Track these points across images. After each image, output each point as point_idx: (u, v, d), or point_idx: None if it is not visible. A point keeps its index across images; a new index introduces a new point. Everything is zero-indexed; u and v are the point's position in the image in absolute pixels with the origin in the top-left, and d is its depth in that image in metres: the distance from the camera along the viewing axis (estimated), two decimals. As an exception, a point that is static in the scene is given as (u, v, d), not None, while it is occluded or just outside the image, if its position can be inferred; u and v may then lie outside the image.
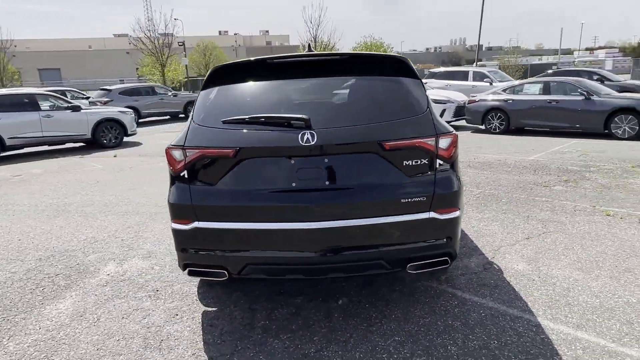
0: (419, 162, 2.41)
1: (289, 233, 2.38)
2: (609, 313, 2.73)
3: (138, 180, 7.20)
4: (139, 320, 2.90)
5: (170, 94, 18.65)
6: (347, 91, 2.66)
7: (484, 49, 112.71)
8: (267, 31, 78.52)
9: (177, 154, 2.54)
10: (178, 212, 2.56)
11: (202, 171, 2.50)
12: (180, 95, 19.45)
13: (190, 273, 2.64)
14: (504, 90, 11.30)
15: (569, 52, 77.90)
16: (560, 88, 10.30)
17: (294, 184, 2.39)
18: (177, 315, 2.95)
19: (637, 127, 9.10)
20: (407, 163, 2.40)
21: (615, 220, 4.35)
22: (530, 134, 10.51)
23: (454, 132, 2.51)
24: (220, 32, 71.88)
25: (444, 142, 2.44)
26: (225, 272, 2.53)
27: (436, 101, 12.27)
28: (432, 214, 2.42)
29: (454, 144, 2.47)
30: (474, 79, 16.55)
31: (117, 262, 3.88)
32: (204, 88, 2.77)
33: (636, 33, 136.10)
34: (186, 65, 32.45)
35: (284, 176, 2.41)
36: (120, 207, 5.58)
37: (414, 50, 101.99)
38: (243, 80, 2.72)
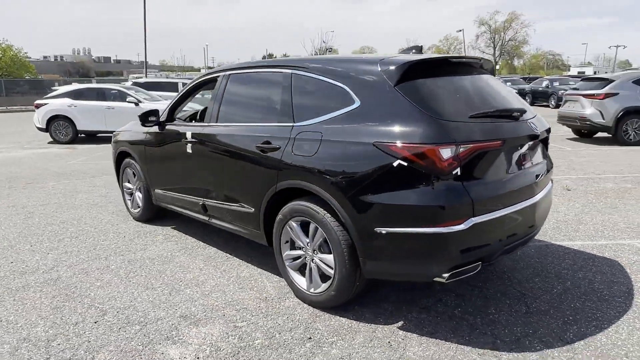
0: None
1: (526, 210, 2.69)
2: (622, 232, 4.41)
3: None
4: (371, 365, 2.35)
5: None
6: (498, 87, 3.07)
7: (112, 61, 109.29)
8: None
9: (447, 151, 2.31)
10: (453, 213, 2.34)
11: (473, 165, 2.41)
12: None
13: (452, 277, 2.44)
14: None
15: (195, 69, 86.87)
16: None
17: (523, 167, 2.71)
18: (391, 344, 2.56)
19: None
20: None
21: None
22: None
23: None
24: None
25: None
26: (480, 264, 2.54)
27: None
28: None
29: None
30: (185, 90, 16.81)
31: (171, 345, 2.61)
32: (401, 81, 2.54)
33: (239, 55, 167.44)
34: None
35: (518, 161, 2.68)
36: (-44, 293, 3.25)
37: (28, 58, 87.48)
38: (435, 75, 2.68)
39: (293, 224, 2.98)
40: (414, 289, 3.19)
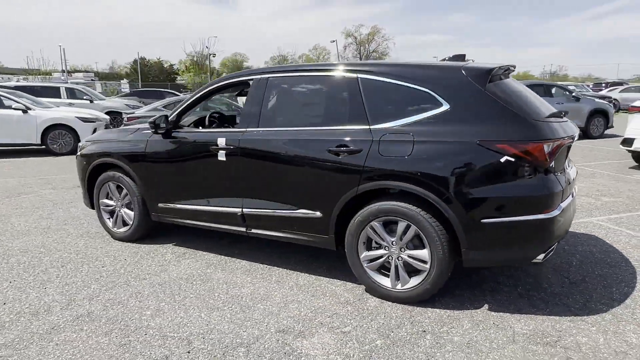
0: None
1: (573, 199, 3.15)
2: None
3: None
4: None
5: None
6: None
7: None
8: None
9: (547, 146, 2.64)
10: (552, 201, 2.67)
11: (557, 159, 2.77)
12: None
13: (545, 257, 2.77)
14: (165, 107, 11.57)
15: (43, 72, 76.42)
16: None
17: (569, 162, 3.17)
18: (497, 324, 2.80)
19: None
20: None
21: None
22: None
23: None
24: None
25: None
26: (556, 243, 2.92)
27: (86, 119, 10.82)
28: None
29: None
30: (70, 97, 14.90)
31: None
32: (489, 86, 2.81)
33: (97, 59, 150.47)
34: None
35: (563, 160, 3.11)
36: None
37: None
38: (503, 79, 2.99)
39: (376, 224, 3.03)
40: (470, 275, 3.48)
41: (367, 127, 3.05)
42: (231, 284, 3.43)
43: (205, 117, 4.42)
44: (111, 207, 4.43)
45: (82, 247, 4.27)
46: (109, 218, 4.48)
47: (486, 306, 3.03)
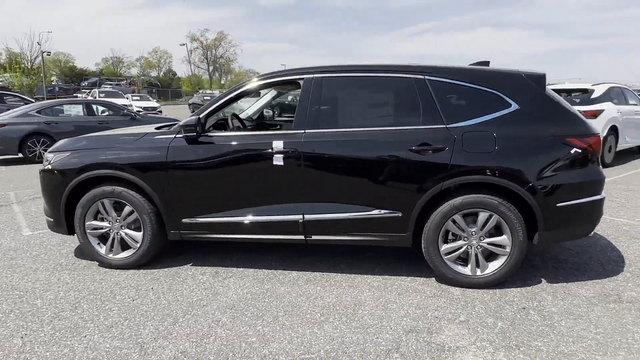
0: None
1: None
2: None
3: None
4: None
5: None
6: None
7: None
8: None
9: (599, 138, 3.16)
10: (602, 184, 3.21)
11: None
12: None
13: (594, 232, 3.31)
14: (39, 112, 9.64)
15: None
16: None
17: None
18: (568, 293, 3.23)
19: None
20: None
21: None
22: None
23: None
24: None
25: None
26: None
27: None
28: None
29: None
30: None
31: (452, 352, 2.51)
32: (546, 89, 3.23)
33: None
34: None
35: None
36: None
37: None
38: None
39: (458, 217, 3.21)
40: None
41: (444, 126, 3.22)
42: (308, 295, 3.20)
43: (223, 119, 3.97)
44: (104, 230, 3.65)
45: (73, 282, 3.43)
46: (99, 243, 3.68)
47: (543, 280, 3.47)
